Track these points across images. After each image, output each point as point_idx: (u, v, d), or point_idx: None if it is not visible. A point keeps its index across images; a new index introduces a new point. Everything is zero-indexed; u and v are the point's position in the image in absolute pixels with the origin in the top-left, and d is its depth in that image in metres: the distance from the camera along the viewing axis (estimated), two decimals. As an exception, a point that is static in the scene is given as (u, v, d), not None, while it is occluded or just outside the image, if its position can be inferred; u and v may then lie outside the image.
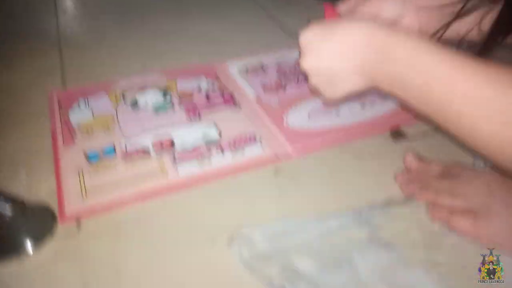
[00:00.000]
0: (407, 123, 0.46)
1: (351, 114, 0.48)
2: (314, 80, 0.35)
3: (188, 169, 0.40)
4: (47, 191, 0.38)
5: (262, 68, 0.56)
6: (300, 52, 0.34)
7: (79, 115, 0.47)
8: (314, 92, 0.36)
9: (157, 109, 0.48)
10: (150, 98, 0.50)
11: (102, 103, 0.49)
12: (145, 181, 0.39)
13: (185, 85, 0.53)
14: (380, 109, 0.49)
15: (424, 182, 0.38)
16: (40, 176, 0.39)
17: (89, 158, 0.41)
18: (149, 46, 0.62)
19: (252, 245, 0.32)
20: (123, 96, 0.50)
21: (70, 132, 0.44)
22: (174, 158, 0.41)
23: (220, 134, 0.45)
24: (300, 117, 0.48)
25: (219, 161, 0.41)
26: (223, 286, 0.31)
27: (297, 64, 0.36)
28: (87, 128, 0.45)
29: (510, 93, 0.23)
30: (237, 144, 0.43)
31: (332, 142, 0.44)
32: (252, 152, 0.42)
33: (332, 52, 0.32)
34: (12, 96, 0.49)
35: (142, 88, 0.51)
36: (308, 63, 0.34)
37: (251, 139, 0.44)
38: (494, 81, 0.24)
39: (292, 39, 0.66)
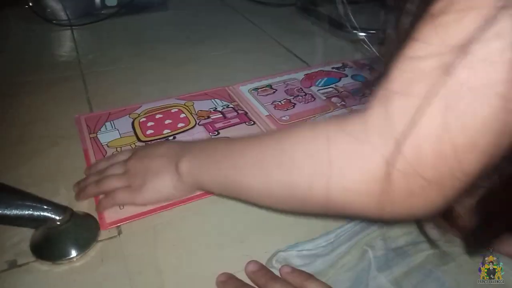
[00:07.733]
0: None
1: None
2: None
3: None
4: (87, 204, 0.41)
5: (272, 88, 0.61)
6: None
7: (107, 135, 0.51)
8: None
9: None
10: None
11: (127, 124, 0.53)
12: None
13: (202, 106, 0.57)
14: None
15: None
16: (78, 191, 0.43)
17: (121, 173, 0.45)
18: (163, 73, 0.66)
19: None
20: (145, 118, 0.54)
21: (100, 150, 0.48)
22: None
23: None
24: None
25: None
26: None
27: None
28: (116, 146, 0.49)
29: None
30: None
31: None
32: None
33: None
34: (43, 122, 0.53)
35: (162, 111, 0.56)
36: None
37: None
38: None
39: (296, 61, 0.71)
